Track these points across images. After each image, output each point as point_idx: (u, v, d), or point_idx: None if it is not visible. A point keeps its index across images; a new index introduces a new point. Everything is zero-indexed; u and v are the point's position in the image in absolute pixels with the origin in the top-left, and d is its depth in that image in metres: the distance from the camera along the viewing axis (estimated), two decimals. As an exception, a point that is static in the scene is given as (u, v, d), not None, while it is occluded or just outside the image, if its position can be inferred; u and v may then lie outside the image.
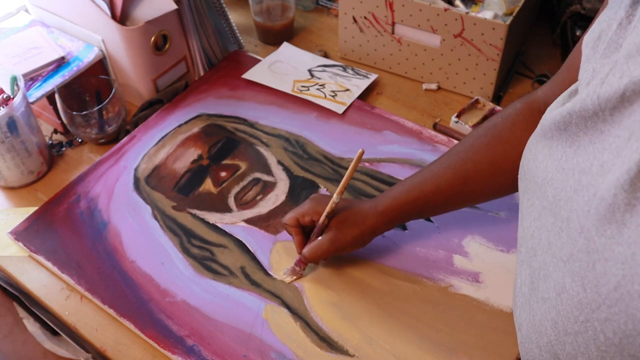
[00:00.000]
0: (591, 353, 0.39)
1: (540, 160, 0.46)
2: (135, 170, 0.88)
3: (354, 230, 0.70)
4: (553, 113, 0.45)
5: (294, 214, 0.72)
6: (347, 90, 0.99)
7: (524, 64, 1.07)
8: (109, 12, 0.90)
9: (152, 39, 0.93)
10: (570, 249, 0.40)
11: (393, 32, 1.00)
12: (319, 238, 0.70)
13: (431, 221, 0.80)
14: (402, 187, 0.71)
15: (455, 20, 0.92)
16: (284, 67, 1.05)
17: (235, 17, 1.17)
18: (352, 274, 0.75)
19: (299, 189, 0.85)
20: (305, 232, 0.73)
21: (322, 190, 0.84)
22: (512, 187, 0.67)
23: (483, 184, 0.68)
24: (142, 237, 0.80)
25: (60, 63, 0.93)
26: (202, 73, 1.05)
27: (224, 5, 1.04)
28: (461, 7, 1.02)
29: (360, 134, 0.92)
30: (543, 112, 0.64)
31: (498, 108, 0.95)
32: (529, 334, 0.47)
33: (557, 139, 0.44)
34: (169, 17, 0.94)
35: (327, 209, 0.69)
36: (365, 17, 1.01)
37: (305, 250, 0.71)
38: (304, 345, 0.68)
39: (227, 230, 0.80)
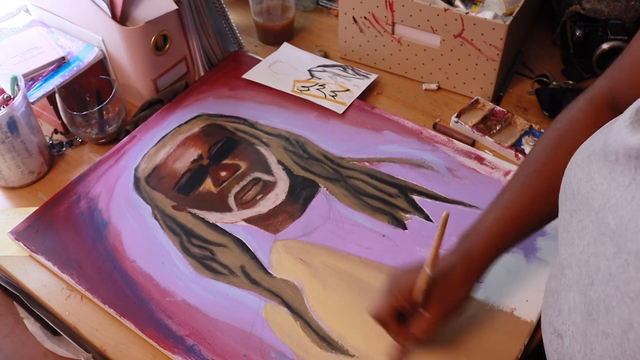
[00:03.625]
0: None
1: (598, 182, 0.43)
2: (136, 170, 0.88)
3: (458, 292, 0.62)
4: (628, 140, 0.41)
5: (388, 305, 0.62)
6: (347, 90, 1.00)
7: (523, 64, 1.07)
8: (109, 12, 0.90)
9: (152, 39, 0.93)
10: None
11: (393, 32, 1.00)
12: (424, 314, 0.61)
13: (431, 221, 0.80)
14: (485, 224, 0.64)
15: (455, 21, 0.92)
16: (284, 67, 1.05)
17: (235, 17, 1.17)
18: (352, 273, 0.75)
19: (299, 189, 0.85)
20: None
21: (322, 190, 0.84)
22: None
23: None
24: (142, 237, 0.80)
25: (61, 63, 0.93)
26: (202, 73, 1.05)
27: (224, 5, 1.04)
28: (461, 7, 1.02)
29: (360, 134, 0.92)
30: (611, 108, 0.60)
31: (498, 108, 0.95)
32: None
33: (624, 165, 0.41)
34: (169, 17, 0.94)
35: (423, 285, 0.60)
36: (365, 17, 1.01)
37: (418, 331, 0.61)
38: (304, 344, 0.68)
39: (227, 230, 0.80)
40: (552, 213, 0.64)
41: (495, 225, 0.63)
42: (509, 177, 0.85)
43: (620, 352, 0.39)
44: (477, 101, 0.97)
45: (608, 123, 0.46)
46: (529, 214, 0.64)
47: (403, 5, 0.95)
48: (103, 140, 0.94)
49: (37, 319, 0.80)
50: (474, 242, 0.63)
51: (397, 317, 0.62)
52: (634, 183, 0.40)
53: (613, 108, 0.61)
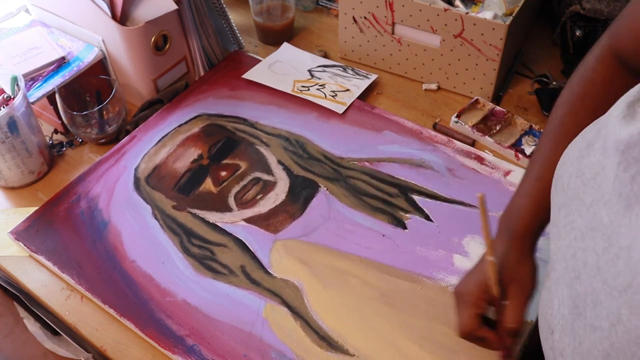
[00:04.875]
0: None
1: (589, 177, 0.43)
2: (136, 170, 0.88)
3: (523, 270, 0.61)
4: (618, 133, 0.41)
5: (472, 315, 0.60)
6: (347, 90, 1.00)
7: (523, 64, 1.07)
8: (109, 12, 0.90)
9: (152, 39, 0.93)
10: (629, 279, 0.37)
11: (393, 33, 1.00)
12: (506, 304, 0.60)
13: (431, 220, 0.80)
14: (522, 199, 0.63)
15: (455, 21, 0.92)
16: (284, 67, 1.05)
17: (235, 17, 1.17)
18: (352, 273, 0.75)
19: (299, 189, 0.85)
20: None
21: (322, 190, 0.84)
22: None
23: None
24: (142, 237, 0.80)
25: (61, 63, 0.93)
26: (202, 73, 1.05)
27: (224, 5, 1.04)
28: (461, 7, 1.02)
29: (360, 134, 0.92)
30: (620, 63, 0.60)
31: (498, 108, 0.95)
32: None
33: (610, 158, 0.41)
34: (169, 17, 0.94)
35: (494, 275, 0.59)
36: (365, 18, 1.01)
37: (511, 321, 0.59)
38: (304, 344, 0.68)
39: (227, 230, 0.80)
40: None
41: (531, 197, 0.63)
42: (509, 177, 0.85)
43: (609, 345, 0.39)
44: (477, 101, 0.97)
45: (600, 117, 0.46)
46: None
47: (403, 5, 0.95)
48: (103, 140, 0.94)
49: (37, 319, 0.80)
50: (515, 222, 0.63)
51: (485, 325, 0.61)
52: (617, 179, 0.40)
53: (621, 63, 0.61)
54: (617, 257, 0.39)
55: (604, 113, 0.56)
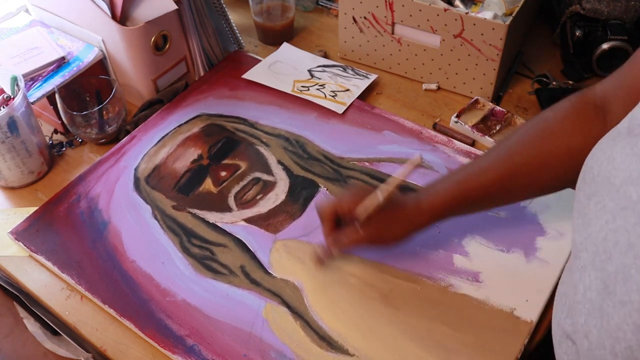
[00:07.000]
0: None
1: (620, 160, 0.45)
2: (136, 170, 0.88)
3: (396, 231, 0.66)
4: None
5: (333, 206, 0.68)
6: (347, 90, 1.00)
7: (523, 64, 1.07)
8: (109, 12, 0.90)
9: (152, 39, 0.93)
10: None
11: (393, 32, 1.01)
12: (358, 229, 0.67)
13: (431, 221, 0.80)
14: (446, 183, 0.67)
15: (455, 21, 0.92)
16: (284, 67, 1.05)
17: (235, 17, 1.17)
18: (352, 273, 0.75)
19: (299, 189, 0.85)
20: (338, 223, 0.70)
21: (322, 190, 0.84)
22: (559, 183, 0.65)
23: (529, 179, 0.65)
24: (142, 237, 0.80)
25: (61, 63, 0.93)
26: (202, 73, 1.05)
27: (224, 5, 1.04)
28: (461, 8, 1.02)
29: (360, 134, 0.92)
30: (598, 108, 0.62)
31: (498, 108, 0.95)
32: (602, 340, 0.45)
33: None
34: (169, 17, 0.94)
35: (369, 207, 0.65)
36: (365, 18, 1.01)
37: (344, 238, 0.67)
38: (304, 344, 0.68)
39: (227, 230, 0.80)
40: (512, 194, 0.69)
41: (458, 187, 0.66)
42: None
43: (638, 317, 0.40)
44: (477, 101, 0.97)
45: (632, 110, 0.48)
46: (498, 187, 0.66)
47: (403, 5, 0.95)
48: (103, 140, 0.94)
49: (37, 319, 0.80)
50: (430, 196, 0.66)
51: (336, 220, 0.69)
52: None
53: (601, 112, 0.63)
54: None
55: (552, 142, 0.61)
